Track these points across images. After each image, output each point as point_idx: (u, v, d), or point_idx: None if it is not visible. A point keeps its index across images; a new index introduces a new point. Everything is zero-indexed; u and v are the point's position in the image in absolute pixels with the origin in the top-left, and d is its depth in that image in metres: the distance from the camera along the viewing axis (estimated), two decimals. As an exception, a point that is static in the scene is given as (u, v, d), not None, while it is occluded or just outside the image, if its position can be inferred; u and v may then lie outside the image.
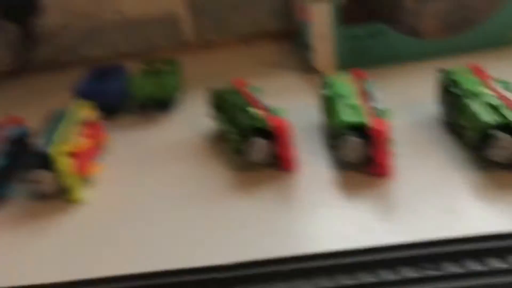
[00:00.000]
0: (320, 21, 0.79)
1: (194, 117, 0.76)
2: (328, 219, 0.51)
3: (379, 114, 0.55)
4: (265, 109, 0.60)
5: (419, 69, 0.78)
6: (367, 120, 0.54)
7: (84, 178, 0.62)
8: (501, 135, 0.51)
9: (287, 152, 0.58)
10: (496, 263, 0.39)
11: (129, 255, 0.50)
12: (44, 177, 0.58)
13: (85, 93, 0.75)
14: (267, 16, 1.00)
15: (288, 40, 1.00)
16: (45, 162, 0.58)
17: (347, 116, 0.56)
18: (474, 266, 0.39)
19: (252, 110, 0.60)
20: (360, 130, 0.55)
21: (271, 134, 0.58)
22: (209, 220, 0.54)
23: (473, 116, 0.54)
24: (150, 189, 0.61)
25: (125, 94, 0.82)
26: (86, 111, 0.68)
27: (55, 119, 0.66)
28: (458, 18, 0.82)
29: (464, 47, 0.80)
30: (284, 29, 1.01)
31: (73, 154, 0.60)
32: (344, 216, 0.51)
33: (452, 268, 0.39)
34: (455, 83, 0.60)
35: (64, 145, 0.59)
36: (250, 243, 0.49)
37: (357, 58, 0.81)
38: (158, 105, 0.78)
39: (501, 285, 0.37)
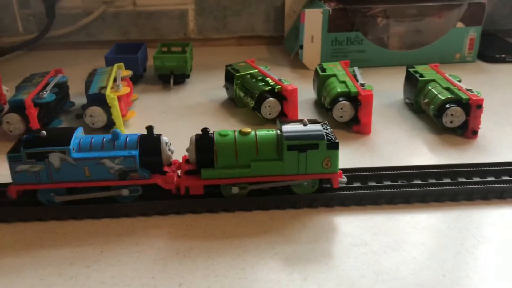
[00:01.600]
0: (313, 24, 0.98)
1: (204, 89, 0.92)
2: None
3: (364, 86, 0.74)
4: (275, 79, 0.77)
5: (386, 71, 0.99)
6: (356, 90, 0.73)
7: (123, 118, 0.76)
8: (452, 107, 0.70)
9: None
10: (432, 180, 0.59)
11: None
12: (98, 113, 0.72)
13: (112, 61, 0.89)
14: (262, 23, 1.18)
15: (278, 45, 1.20)
16: (100, 101, 0.71)
17: (341, 87, 0.74)
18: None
19: (268, 79, 0.77)
20: (349, 97, 0.73)
21: (282, 96, 0.75)
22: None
23: (434, 95, 0.74)
24: (173, 134, 0.75)
25: (145, 65, 0.97)
26: (123, 70, 0.82)
27: (99, 74, 0.80)
28: (412, 39, 1.04)
29: (420, 60, 1.02)
30: (275, 35, 1.20)
31: (118, 98, 0.73)
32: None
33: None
34: (420, 74, 0.79)
35: (113, 90, 0.73)
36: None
37: (336, 59, 1.00)
38: (175, 78, 0.93)
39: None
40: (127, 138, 0.54)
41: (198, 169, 0.54)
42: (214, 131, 0.55)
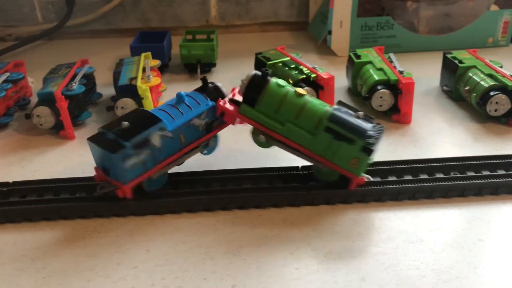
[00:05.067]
0: (342, 9, 0.95)
1: (232, 78, 0.89)
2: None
3: (403, 74, 0.71)
4: (310, 67, 0.75)
5: (418, 56, 0.96)
6: (395, 77, 0.70)
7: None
8: (497, 94, 0.68)
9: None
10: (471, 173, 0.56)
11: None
12: (130, 105, 0.69)
13: (137, 50, 0.87)
14: (285, 8, 1.15)
15: (302, 31, 1.17)
16: (132, 92, 0.69)
17: (379, 75, 0.72)
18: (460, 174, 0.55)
19: (301, 67, 0.75)
20: (388, 85, 0.70)
21: (317, 85, 0.72)
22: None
23: (476, 82, 0.71)
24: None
25: (170, 54, 0.94)
26: (151, 59, 0.79)
27: (126, 64, 0.78)
28: (443, 23, 1.00)
29: (451, 45, 0.99)
30: (299, 21, 1.17)
31: (150, 89, 0.71)
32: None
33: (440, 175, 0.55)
34: (459, 60, 0.76)
35: (144, 80, 0.71)
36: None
37: (366, 44, 0.97)
38: (202, 67, 0.90)
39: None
40: (189, 96, 0.55)
41: (242, 102, 0.54)
42: (273, 77, 0.54)
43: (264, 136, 0.53)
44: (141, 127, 0.50)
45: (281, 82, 0.54)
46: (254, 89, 0.53)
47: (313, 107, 0.52)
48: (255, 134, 0.54)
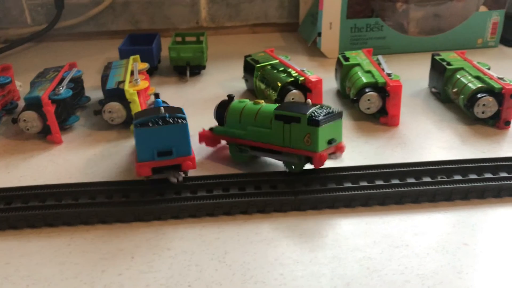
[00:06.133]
0: (331, 11, 0.95)
1: (222, 81, 0.89)
2: (354, 148, 0.65)
3: (391, 76, 0.71)
4: (298, 70, 0.75)
5: (407, 58, 0.97)
6: (383, 80, 0.70)
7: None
8: (484, 96, 0.68)
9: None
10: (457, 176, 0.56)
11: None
12: (117, 109, 0.69)
13: (126, 53, 0.86)
14: (276, 10, 1.15)
15: (292, 32, 1.17)
16: (119, 96, 0.69)
17: (367, 78, 0.72)
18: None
19: (290, 69, 0.75)
20: (376, 88, 0.70)
21: (305, 88, 0.72)
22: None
23: (464, 84, 0.71)
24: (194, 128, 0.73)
25: (159, 57, 0.94)
26: (140, 62, 0.79)
27: (114, 67, 0.77)
28: (433, 25, 1.00)
29: (441, 46, 0.99)
30: (289, 22, 1.17)
31: (137, 93, 0.71)
32: (367, 147, 0.65)
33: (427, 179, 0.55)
34: (447, 62, 0.76)
35: (132, 84, 0.71)
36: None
37: (356, 46, 0.97)
38: (191, 69, 0.90)
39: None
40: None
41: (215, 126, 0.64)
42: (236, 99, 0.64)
43: (239, 148, 0.61)
44: (176, 109, 0.57)
45: (242, 99, 0.63)
46: (221, 111, 0.63)
47: (266, 108, 0.60)
48: (230, 149, 0.62)
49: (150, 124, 0.53)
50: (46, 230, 0.51)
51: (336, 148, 0.57)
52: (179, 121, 0.54)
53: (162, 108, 0.55)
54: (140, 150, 0.54)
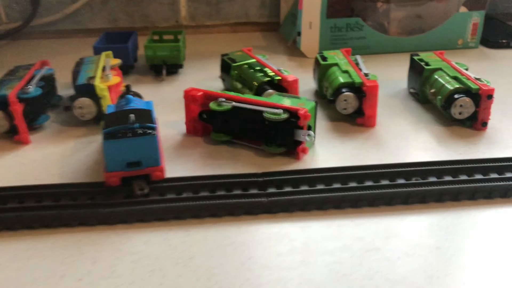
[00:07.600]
0: (311, 10, 0.93)
1: (199, 80, 0.87)
2: (329, 149, 0.64)
3: (368, 76, 0.70)
4: (275, 69, 0.73)
5: (387, 58, 0.96)
6: (360, 80, 0.69)
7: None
8: (461, 97, 0.67)
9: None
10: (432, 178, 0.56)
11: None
12: (88, 104, 0.67)
13: (100, 51, 0.84)
14: (257, 9, 1.14)
15: (273, 31, 1.15)
16: (89, 92, 0.67)
17: (344, 78, 0.70)
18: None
19: (266, 69, 0.73)
20: (353, 88, 0.69)
21: (281, 88, 0.71)
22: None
23: (441, 85, 0.70)
24: (166, 127, 0.71)
25: (136, 55, 0.92)
26: (112, 58, 0.77)
27: (86, 63, 0.76)
28: (413, 25, 1.00)
29: (422, 46, 0.98)
30: (270, 22, 1.15)
31: (108, 88, 0.69)
32: (343, 148, 0.64)
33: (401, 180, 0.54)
34: (425, 62, 0.76)
35: (103, 80, 0.69)
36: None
37: (336, 46, 0.96)
38: (168, 68, 0.88)
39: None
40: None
41: None
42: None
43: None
44: (146, 114, 0.55)
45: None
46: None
47: None
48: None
49: (120, 135, 0.52)
50: (6, 234, 0.49)
51: None
52: (148, 132, 0.53)
53: (132, 115, 0.54)
54: (109, 161, 0.52)
